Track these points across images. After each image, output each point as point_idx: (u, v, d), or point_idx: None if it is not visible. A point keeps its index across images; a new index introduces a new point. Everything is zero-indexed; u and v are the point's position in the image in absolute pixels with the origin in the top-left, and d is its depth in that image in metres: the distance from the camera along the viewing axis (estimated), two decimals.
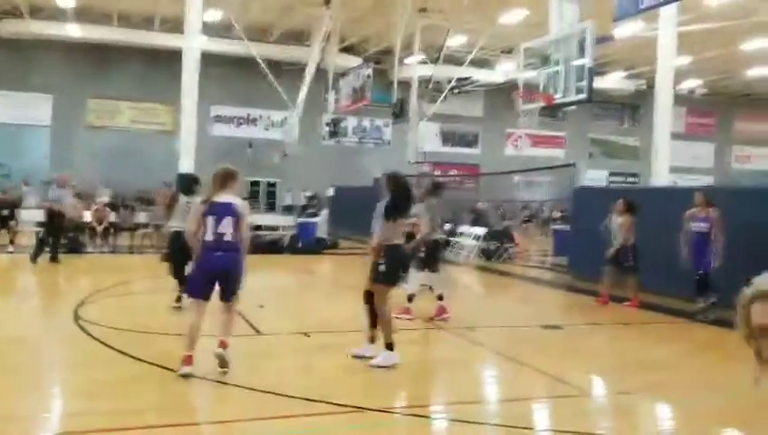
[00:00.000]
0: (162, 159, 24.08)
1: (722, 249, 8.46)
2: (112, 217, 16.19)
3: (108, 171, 26.12)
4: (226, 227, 5.53)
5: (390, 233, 6.20)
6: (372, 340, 6.37)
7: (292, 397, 5.16)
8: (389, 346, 6.12)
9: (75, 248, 14.61)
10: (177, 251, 8.01)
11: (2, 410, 4.71)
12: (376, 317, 6.29)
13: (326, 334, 7.59)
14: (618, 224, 9.81)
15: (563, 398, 5.57)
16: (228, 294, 5.68)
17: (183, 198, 8.43)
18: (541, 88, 10.35)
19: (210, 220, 5.53)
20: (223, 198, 5.63)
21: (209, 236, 5.53)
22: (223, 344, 5.58)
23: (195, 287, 5.82)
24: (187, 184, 8.74)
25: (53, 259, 12.85)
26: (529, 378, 6.23)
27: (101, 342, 6.71)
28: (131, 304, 9.44)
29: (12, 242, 14.11)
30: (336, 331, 7.82)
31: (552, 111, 32.85)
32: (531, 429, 4.95)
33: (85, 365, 6.10)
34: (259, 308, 8.71)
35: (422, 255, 8.72)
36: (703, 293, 8.72)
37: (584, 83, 9.31)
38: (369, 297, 6.35)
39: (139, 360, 6.04)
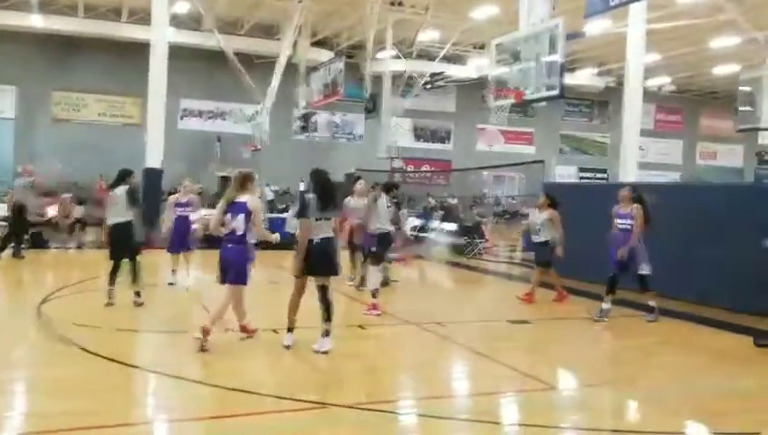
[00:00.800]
0: (130, 152, 23.63)
1: (630, 249, 8.35)
2: (78, 211, 15.87)
3: (74, 165, 25.60)
4: (239, 223, 6.52)
5: (307, 228, 6.43)
6: (327, 333, 6.49)
7: (260, 394, 5.11)
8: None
9: (39, 244, 14.29)
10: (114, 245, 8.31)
11: None
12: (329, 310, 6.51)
13: (296, 331, 7.52)
14: (543, 219, 9.81)
15: (530, 392, 5.60)
16: (230, 279, 6.61)
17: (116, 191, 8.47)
18: (511, 84, 10.40)
19: (228, 218, 6.57)
20: (240, 198, 6.62)
21: (226, 231, 6.59)
22: (204, 331, 6.31)
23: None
24: (118, 178, 8.70)
25: (16, 255, 12.56)
26: (496, 372, 6.25)
27: (64, 339, 6.57)
28: (96, 300, 9.25)
29: None
30: (303, 327, 7.75)
31: (522, 107, 33.26)
32: (497, 423, 4.96)
33: (47, 363, 5.97)
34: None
35: (374, 249, 8.79)
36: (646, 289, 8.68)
37: (555, 80, 9.36)
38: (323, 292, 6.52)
39: (104, 357, 5.92)
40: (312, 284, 6.59)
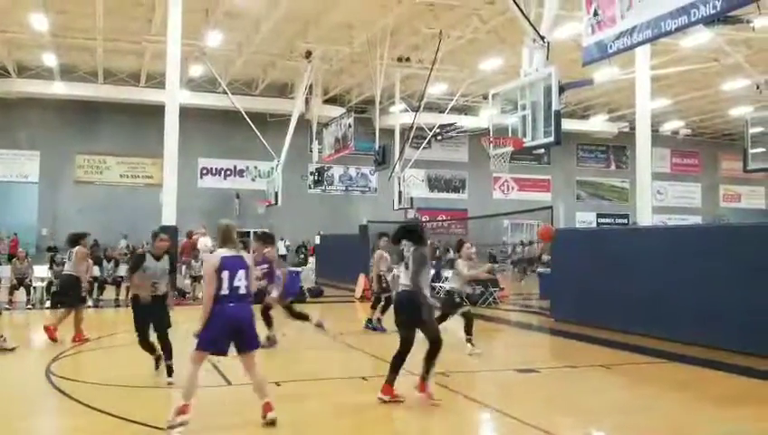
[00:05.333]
0: (151, 212, 24.14)
1: None
2: (96, 270, 16.09)
3: (95, 225, 26.12)
4: (241, 279, 5.66)
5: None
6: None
7: None
8: None
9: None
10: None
11: None
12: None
13: (297, 384, 7.52)
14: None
15: None
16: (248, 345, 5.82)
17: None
18: (510, 132, 10.54)
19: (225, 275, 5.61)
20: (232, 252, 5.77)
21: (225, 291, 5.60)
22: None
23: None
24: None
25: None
26: (498, 423, 6.15)
27: (70, 397, 6.63)
28: (109, 358, 9.33)
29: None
30: (308, 380, 7.76)
31: (537, 155, 33.47)
32: None
33: (51, 415, 6.01)
34: (233, 359, 8.66)
35: None
36: None
37: (552, 127, 9.49)
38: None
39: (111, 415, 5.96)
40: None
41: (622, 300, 10.05)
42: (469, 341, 9.18)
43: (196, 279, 16.97)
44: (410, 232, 6.73)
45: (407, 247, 6.60)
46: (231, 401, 6.74)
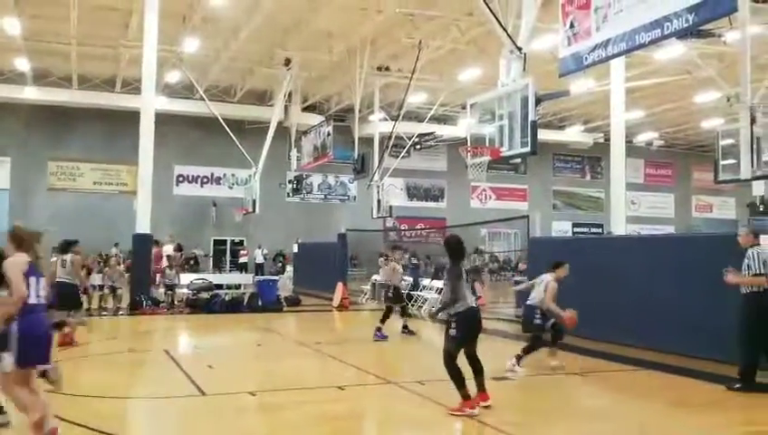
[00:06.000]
0: (125, 220, 23.87)
1: None
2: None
3: (68, 233, 25.70)
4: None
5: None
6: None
7: None
8: None
9: None
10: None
11: None
12: None
13: (272, 393, 7.47)
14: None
15: None
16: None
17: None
18: (488, 142, 10.62)
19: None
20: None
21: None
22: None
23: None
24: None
25: None
26: (474, 431, 6.16)
27: None
28: (76, 369, 9.16)
29: None
30: (282, 389, 7.71)
31: (514, 164, 33.72)
32: None
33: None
34: (208, 368, 8.64)
35: None
36: None
37: (528, 137, 9.58)
38: None
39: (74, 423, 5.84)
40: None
41: (596, 308, 10.11)
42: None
43: (170, 288, 16.80)
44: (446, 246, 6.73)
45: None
46: (205, 412, 6.65)
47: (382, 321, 11.92)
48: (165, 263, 17.50)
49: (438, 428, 6.37)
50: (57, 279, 10.54)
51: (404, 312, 12.84)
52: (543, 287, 8.70)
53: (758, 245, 7.60)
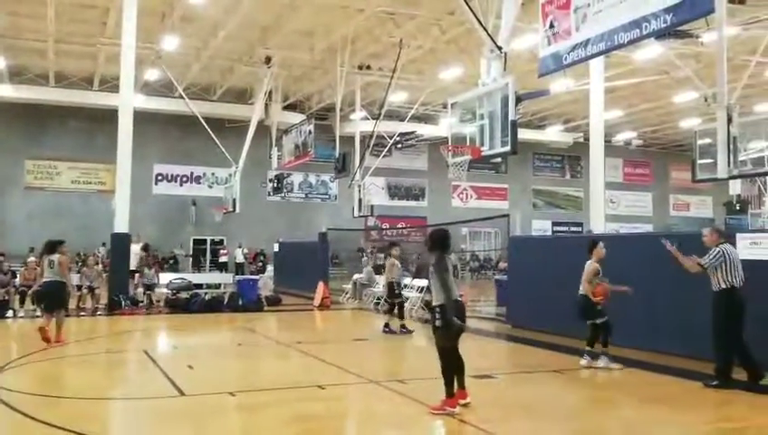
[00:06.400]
0: (102, 219, 23.64)
1: None
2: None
3: (46, 233, 25.39)
4: None
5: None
6: None
7: None
8: None
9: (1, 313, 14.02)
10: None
11: None
12: None
13: (252, 393, 7.43)
14: None
15: None
16: None
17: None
18: (468, 141, 10.64)
19: None
20: None
21: None
22: None
23: None
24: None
25: None
26: (455, 430, 6.17)
27: (13, 408, 6.39)
28: (54, 370, 9.05)
29: None
30: (263, 389, 7.67)
31: (494, 164, 33.89)
32: None
33: None
34: (188, 368, 8.57)
35: None
36: None
37: (508, 136, 9.62)
38: None
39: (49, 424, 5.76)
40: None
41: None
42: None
43: (149, 287, 16.64)
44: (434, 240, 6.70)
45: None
46: (184, 412, 6.60)
47: (401, 317, 12.44)
48: (133, 263, 17.27)
49: (418, 426, 6.37)
50: (44, 279, 10.63)
51: (399, 309, 12.73)
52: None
53: (723, 243, 7.74)
